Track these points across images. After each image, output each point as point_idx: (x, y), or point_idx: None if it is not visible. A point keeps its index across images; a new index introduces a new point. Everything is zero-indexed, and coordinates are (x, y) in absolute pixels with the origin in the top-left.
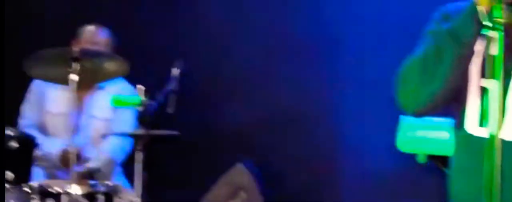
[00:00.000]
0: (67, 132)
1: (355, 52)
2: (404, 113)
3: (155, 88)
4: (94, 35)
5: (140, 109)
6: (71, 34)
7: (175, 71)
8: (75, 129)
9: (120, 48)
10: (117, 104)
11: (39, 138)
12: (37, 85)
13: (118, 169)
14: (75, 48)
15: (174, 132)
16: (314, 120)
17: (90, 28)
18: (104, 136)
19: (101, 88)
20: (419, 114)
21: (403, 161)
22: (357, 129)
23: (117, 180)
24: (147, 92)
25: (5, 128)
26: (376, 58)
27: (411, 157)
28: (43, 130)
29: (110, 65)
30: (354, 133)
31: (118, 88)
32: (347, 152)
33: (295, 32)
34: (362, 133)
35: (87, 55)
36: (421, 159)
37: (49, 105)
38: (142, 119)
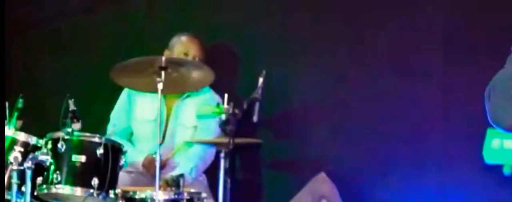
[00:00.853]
0: (154, 139)
1: None
2: (494, 127)
3: (240, 97)
4: (185, 45)
5: (224, 117)
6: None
7: (260, 81)
8: (162, 137)
9: (210, 57)
10: (202, 112)
11: (126, 144)
12: (127, 94)
13: (202, 177)
14: (162, 58)
15: (257, 140)
16: (393, 133)
17: (182, 38)
18: (189, 144)
19: (188, 96)
20: (510, 129)
21: (489, 173)
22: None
23: (200, 187)
24: (231, 101)
25: (93, 135)
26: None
27: (497, 168)
28: (131, 136)
29: (196, 74)
30: (437, 145)
31: (205, 97)
32: (430, 165)
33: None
34: (445, 145)
35: (174, 64)
36: (507, 170)
37: (137, 112)
38: (226, 127)
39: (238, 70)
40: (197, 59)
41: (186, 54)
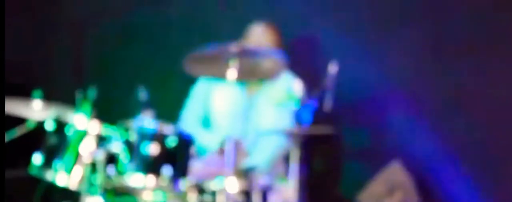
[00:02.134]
0: (231, 128)
1: None
2: None
3: (314, 86)
4: (261, 33)
5: (299, 106)
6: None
7: (332, 69)
8: (238, 126)
9: (288, 45)
10: (278, 102)
11: (201, 133)
12: (203, 83)
13: (277, 167)
14: (235, 46)
15: (331, 130)
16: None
17: (257, 27)
18: (264, 133)
19: (265, 86)
20: None
21: None
22: None
23: (275, 177)
24: (306, 90)
25: (165, 125)
26: None
27: None
28: (207, 126)
29: (268, 63)
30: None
31: (281, 83)
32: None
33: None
34: None
35: (246, 53)
36: None
37: (213, 102)
38: (302, 116)
39: (314, 60)
40: (273, 47)
41: (254, 41)
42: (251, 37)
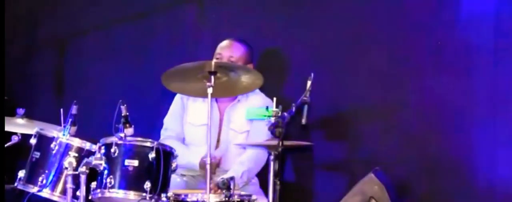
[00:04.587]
0: (207, 143)
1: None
2: None
3: (290, 100)
4: (230, 49)
5: (274, 120)
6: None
7: (309, 84)
8: (215, 141)
9: (257, 60)
10: (251, 116)
11: (180, 147)
12: (180, 99)
13: (255, 179)
14: (212, 63)
15: (306, 142)
16: (443, 133)
17: (226, 43)
18: (241, 147)
19: (239, 101)
20: None
21: None
22: (486, 137)
23: (253, 190)
24: (280, 104)
25: (145, 139)
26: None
27: None
28: (184, 140)
29: (245, 79)
30: (483, 141)
31: (255, 100)
32: (477, 161)
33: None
34: (493, 141)
35: (223, 69)
36: None
37: (190, 117)
38: (276, 130)
39: (287, 74)
40: (231, 60)
41: (219, 57)
42: (221, 51)
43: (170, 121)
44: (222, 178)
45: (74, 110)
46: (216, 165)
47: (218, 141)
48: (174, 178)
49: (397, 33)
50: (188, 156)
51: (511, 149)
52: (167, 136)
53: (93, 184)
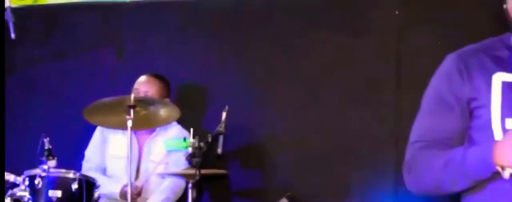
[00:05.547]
0: (127, 174)
1: None
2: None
3: (206, 130)
4: (146, 85)
5: (191, 150)
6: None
7: (224, 115)
8: (135, 172)
9: (174, 94)
10: (169, 147)
11: (101, 178)
12: (100, 131)
13: None
14: (131, 97)
15: (222, 171)
16: (353, 160)
17: (143, 78)
18: (160, 176)
19: (157, 133)
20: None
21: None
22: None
23: None
24: (197, 135)
25: (68, 171)
26: None
27: None
28: (105, 172)
29: (163, 112)
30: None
31: (173, 132)
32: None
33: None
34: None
35: (142, 102)
36: None
37: (110, 150)
38: (192, 159)
39: (204, 106)
40: (147, 95)
41: (137, 91)
42: (138, 87)
43: (91, 153)
44: None
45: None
46: (136, 194)
47: (138, 172)
48: None
49: (311, 66)
50: (109, 186)
51: None
52: (88, 167)
53: None
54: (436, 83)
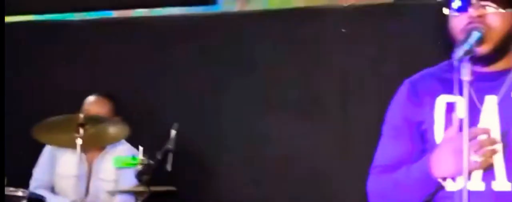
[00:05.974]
0: (76, 193)
1: None
2: None
3: (154, 148)
4: (96, 105)
5: (140, 167)
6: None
7: (173, 133)
8: (84, 190)
9: (122, 113)
10: (119, 164)
11: (49, 196)
12: (49, 150)
13: None
14: (80, 115)
15: (171, 188)
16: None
17: (92, 98)
18: (110, 194)
19: (106, 151)
20: None
21: None
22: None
23: None
24: (146, 152)
25: (16, 189)
26: None
27: None
28: (53, 191)
29: (113, 130)
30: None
31: (122, 150)
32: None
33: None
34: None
35: (92, 121)
36: None
37: (59, 168)
38: (142, 176)
39: (153, 124)
40: (108, 115)
41: (87, 112)
42: (88, 107)
43: (39, 171)
44: None
45: None
46: None
47: (87, 190)
48: None
49: (258, 81)
50: None
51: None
52: (36, 185)
53: None
54: (391, 109)
